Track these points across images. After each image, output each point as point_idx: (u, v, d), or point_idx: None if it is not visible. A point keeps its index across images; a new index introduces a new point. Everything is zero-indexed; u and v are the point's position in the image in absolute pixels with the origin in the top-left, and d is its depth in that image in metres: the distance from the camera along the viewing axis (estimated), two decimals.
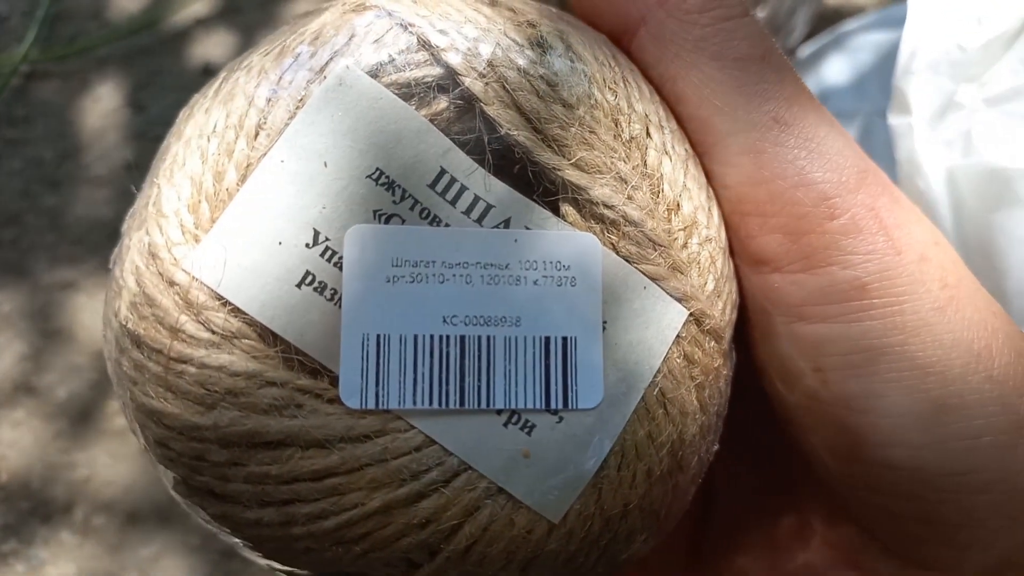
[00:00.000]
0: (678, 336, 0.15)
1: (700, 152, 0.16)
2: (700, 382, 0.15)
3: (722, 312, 0.16)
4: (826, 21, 0.57)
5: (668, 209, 0.15)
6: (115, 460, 0.44)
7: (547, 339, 0.15)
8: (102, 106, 0.56)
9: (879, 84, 0.44)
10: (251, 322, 0.14)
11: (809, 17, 0.49)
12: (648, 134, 0.15)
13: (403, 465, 0.14)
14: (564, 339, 0.15)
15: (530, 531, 0.14)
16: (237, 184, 0.14)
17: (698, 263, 0.15)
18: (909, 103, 0.34)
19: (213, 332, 0.14)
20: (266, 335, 0.14)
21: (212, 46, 0.57)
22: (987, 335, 0.15)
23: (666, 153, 0.15)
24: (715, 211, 0.16)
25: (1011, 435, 0.15)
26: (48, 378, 0.47)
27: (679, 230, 0.15)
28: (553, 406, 0.14)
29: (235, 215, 0.14)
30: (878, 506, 0.16)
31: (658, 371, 0.15)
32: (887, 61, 0.46)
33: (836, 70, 0.47)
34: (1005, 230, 0.30)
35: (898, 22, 0.47)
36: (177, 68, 0.57)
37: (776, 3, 0.46)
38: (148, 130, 0.55)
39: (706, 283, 0.15)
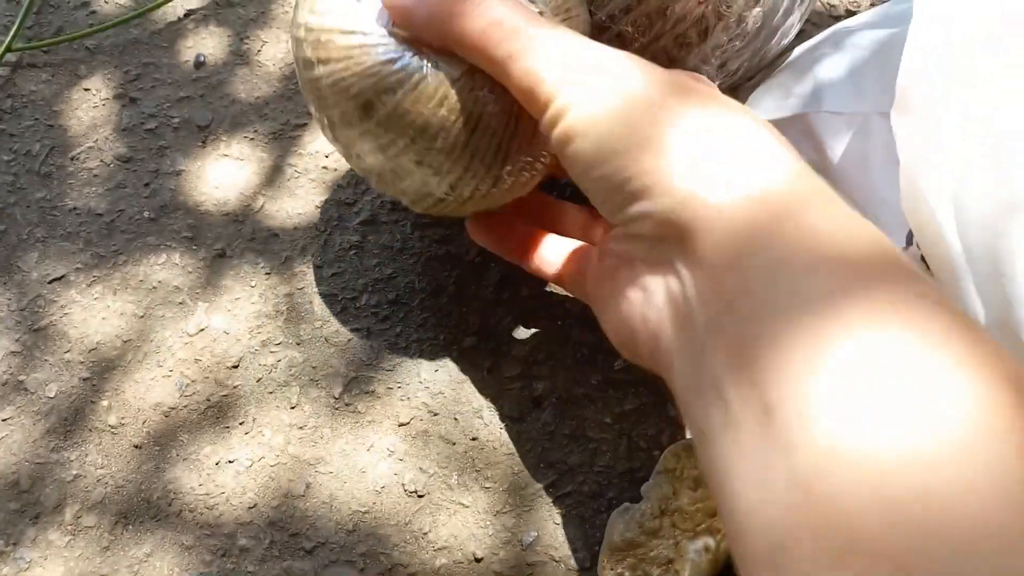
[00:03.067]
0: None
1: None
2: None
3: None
4: (821, 19, 0.56)
5: None
6: (107, 458, 0.42)
7: None
8: (92, 98, 0.53)
9: (878, 82, 0.43)
10: None
11: (803, 16, 0.48)
12: None
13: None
14: None
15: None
16: None
17: None
18: (913, 103, 0.33)
19: None
20: None
21: (204, 38, 0.55)
22: None
23: None
24: None
25: None
26: (38, 376, 0.45)
27: None
28: None
29: None
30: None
31: None
32: (886, 59, 0.44)
33: (834, 67, 0.45)
34: (1012, 235, 0.29)
35: (895, 20, 0.46)
36: (169, 61, 0.54)
37: (770, 4, 0.45)
38: (141, 123, 0.52)
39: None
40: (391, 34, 0.34)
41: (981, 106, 0.31)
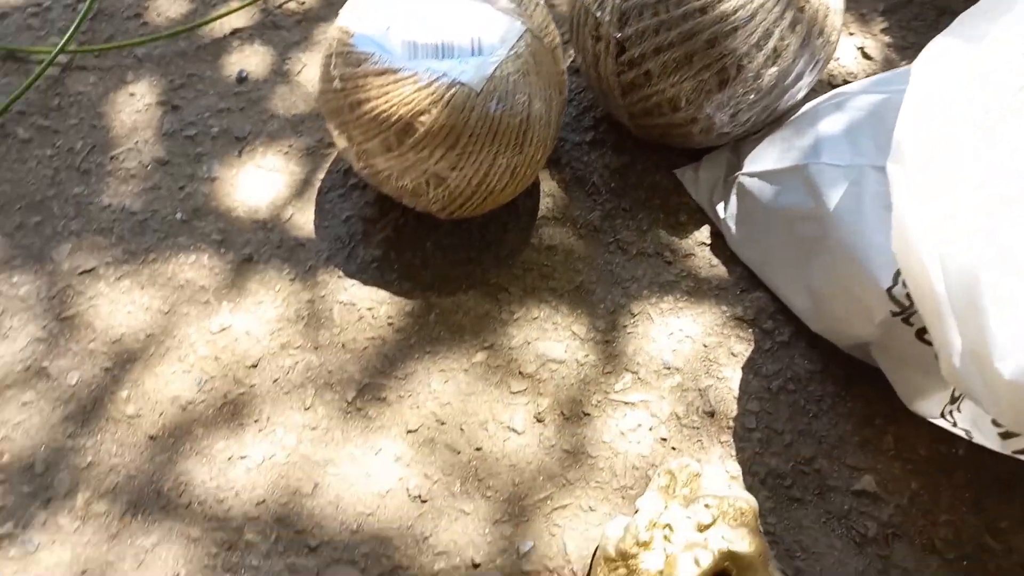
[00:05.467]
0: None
1: None
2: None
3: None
4: (821, 87, 0.59)
5: None
6: (122, 448, 0.43)
7: None
8: (136, 102, 0.55)
9: (873, 139, 0.46)
10: None
11: (812, 81, 0.51)
12: None
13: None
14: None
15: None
16: None
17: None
18: (906, 154, 0.35)
19: None
20: None
21: (248, 56, 0.57)
22: None
23: None
24: None
25: None
26: (61, 363, 0.45)
27: None
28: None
29: None
30: None
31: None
32: (879, 119, 0.47)
33: (833, 125, 0.48)
34: (986, 278, 0.31)
35: (888, 86, 0.49)
36: (213, 74, 0.56)
37: (785, 67, 0.48)
38: (181, 129, 0.54)
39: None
40: (417, 61, 0.40)
41: (964, 166, 0.34)
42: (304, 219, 0.51)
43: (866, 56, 0.59)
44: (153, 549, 0.40)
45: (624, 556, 0.38)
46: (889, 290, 0.40)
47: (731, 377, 0.46)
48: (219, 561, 0.39)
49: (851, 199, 0.44)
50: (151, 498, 0.41)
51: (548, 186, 0.52)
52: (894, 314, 0.40)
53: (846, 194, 0.45)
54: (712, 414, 0.44)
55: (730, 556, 0.38)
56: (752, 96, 0.49)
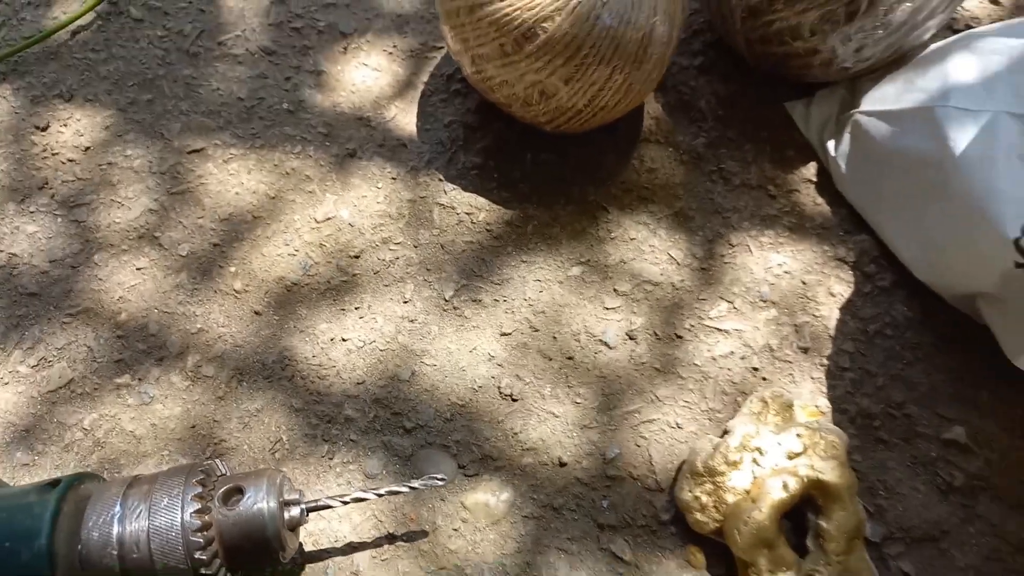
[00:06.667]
0: None
1: None
2: None
3: None
4: (946, 32, 0.55)
5: None
6: (229, 320, 0.44)
7: None
8: None
9: (1010, 85, 0.43)
10: None
11: (943, 21, 0.48)
12: None
13: None
14: None
15: None
16: None
17: None
18: None
19: None
20: None
21: None
22: None
23: None
24: None
25: None
26: (172, 234, 0.46)
27: None
28: None
29: None
30: None
31: None
32: (1018, 65, 0.44)
33: (963, 68, 0.45)
34: None
35: None
36: None
37: (920, 3, 0.45)
38: (288, 21, 0.53)
39: None
40: None
41: None
42: (406, 120, 0.51)
43: (994, 1, 0.55)
44: (257, 414, 0.41)
45: (712, 472, 0.39)
46: (1017, 240, 0.39)
47: (828, 316, 0.45)
48: (319, 432, 0.41)
49: (981, 145, 0.42)
50: (256, 368, 0.43)
51: (652, 108, 0.51)
52: (1018, 265, 0.39)
53: (976, 140, 0.42)
54: (806, 350, 0.44)
55: (818, 485, 0.38)
56: (880, 32, 0.46)
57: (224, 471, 0.34)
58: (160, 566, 0.30)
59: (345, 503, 0.34)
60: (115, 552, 0.29)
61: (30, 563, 0.28)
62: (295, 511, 0.33)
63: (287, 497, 0.33)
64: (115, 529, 0.30)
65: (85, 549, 0.30)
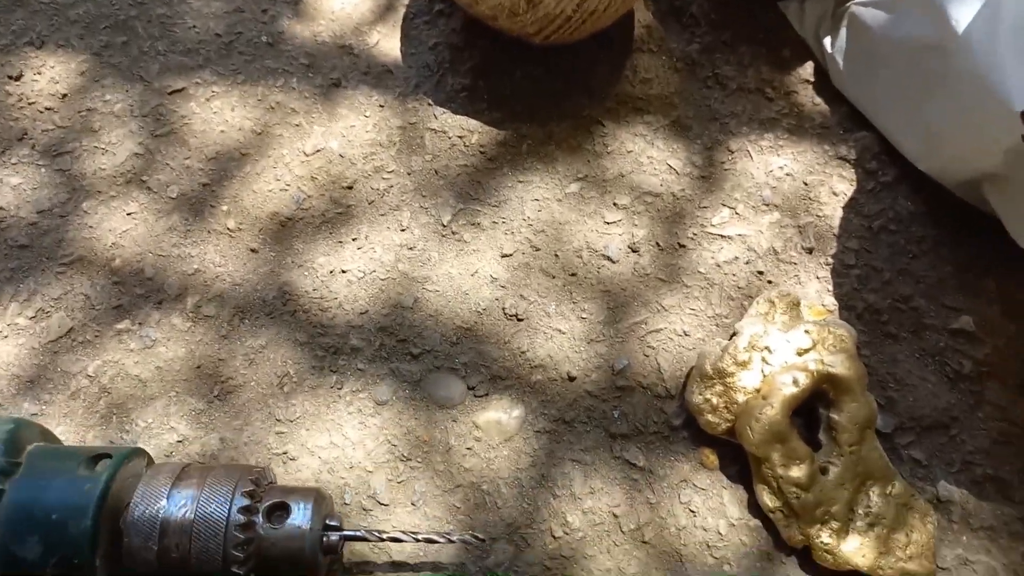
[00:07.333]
0: None
1: None
2: None
3: None
4: None
5: None
6: (225, 259, 0.43)
7: None
8: None
9: None
10: None
11: None
12: None
13: None
14: None
15: None
16: None
17: None
18: None
19: None
20: None
21: None
22: None
23: None
24: None
25: None
26: (160, 177, 0.45)
27: None
28: None
29: None
30: None
31: None
32: None
33: None
34: None
35: None
36: None
37: None
38: None
39: None
40: None
41: None
42: (390, 45, 0.49)
43: None
44: (262, 350, 0.41)
45: (721, 374, 0.38)
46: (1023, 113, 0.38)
47: (831, 215, 0.44)
48: (326, 363, 0.41)
49: (984, 22, 0.40)
50: (257, 305, 0.42)
51: (643, 16, 0.49)
52: None
53: (978, 16, 0.41)
54: (811, 250, 0.43)
55: (828, 378, 0.38)
56: None
57: (271, 479, 0.34)
58: (195, 570, 0.30)
59: (382, 539, 0.34)
60: (155, 548, 0.30)
61: (76, 540, 0.29)
62: (334, 537, 0.32)
63: (329, 523, 0.33)
64: (158, 525, 0.30)
65: (127, 536, 0.30)
